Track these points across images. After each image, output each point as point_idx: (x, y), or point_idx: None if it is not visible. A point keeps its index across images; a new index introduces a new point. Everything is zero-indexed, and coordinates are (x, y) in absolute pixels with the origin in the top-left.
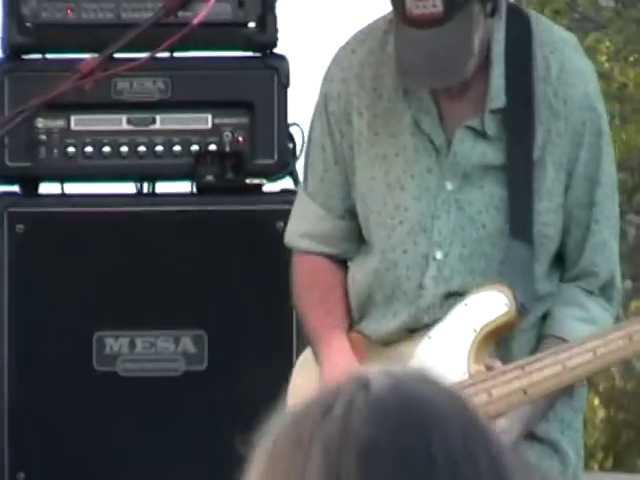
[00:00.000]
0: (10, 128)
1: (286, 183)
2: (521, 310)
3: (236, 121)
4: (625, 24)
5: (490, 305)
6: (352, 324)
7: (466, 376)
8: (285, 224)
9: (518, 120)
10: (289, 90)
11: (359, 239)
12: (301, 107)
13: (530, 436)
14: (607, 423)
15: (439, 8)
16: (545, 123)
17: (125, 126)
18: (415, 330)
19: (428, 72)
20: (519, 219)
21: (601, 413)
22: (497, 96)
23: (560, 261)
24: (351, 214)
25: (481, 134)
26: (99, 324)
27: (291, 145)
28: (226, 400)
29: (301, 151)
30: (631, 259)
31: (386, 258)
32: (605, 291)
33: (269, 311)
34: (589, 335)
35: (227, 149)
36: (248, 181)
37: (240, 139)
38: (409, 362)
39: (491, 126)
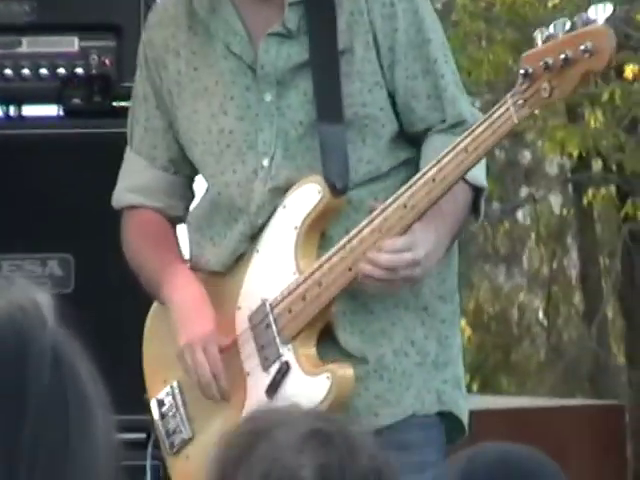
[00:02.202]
0: None
1: None
2: (335, 191)
3: (103, 44)
4: None
5: (305, 198)
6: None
7: (297, 275)
8: None
9: (318, 10)
10: None
11: (183, 197)
12: None
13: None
14: (474, 345)
15: None
16: (346, 7)
17: None
18: (254, 237)
19: None
20: (325, 104)
21: (468, 333)
22: None
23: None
24: (176, 166)
25: (285, 35)
26: None
27: None
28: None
29: None
30: (499, 180)
31: (217, 182)
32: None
33: None
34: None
35: (94, 72)
36: (115, 104)
37: (107, 62)
38: (245, 278)
39: (293, 20)
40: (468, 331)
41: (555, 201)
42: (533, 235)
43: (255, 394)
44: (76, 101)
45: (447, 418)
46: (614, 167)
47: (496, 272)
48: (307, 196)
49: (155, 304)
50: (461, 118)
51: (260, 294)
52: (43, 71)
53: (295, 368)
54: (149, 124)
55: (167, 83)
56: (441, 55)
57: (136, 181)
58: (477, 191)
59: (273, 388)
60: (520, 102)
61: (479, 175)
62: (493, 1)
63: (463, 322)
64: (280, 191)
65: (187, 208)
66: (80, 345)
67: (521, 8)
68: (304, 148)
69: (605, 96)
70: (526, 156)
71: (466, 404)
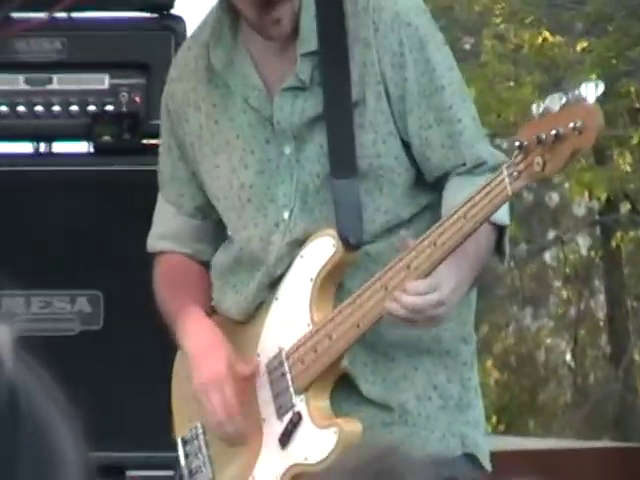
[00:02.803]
0: None
1: None
2: (348, 245)
3: (133, 82)
4: None
5: (320, 250)
6: (213, 308)
7: (311, 327)
8: None
9: (332, 62)
10: None
11: (213, 241)
12: None
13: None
14: (500, 386)
15: None
16: (358, 59)
17: (22, 86)
18: (273, 285)
19: None
20: (339, 159)
21: (495, 375)
22: (307, 40)
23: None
24: (203, 213)
25: (299, 88)
26: None
27: None
28: (120, 359)
29: None
30: (526, 222)
31: (239, 238)
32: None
33: None
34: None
35: (124, 109)
36: (145, 141)
37: (137, 99)
38: (264, 325)
39: (306, 72)
40: (495, 373)
41: (583, 243)
42: (560, 277)
43: (270, 441)
44: (106, 138)
45: (469, 460)
46: None
47: (523, 314)
48: (322, 249)
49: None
50: (480, 160)
51: (277, 342)
52: (73, 108)
53: (306, 419)
54: (174, 173)
55: (189, 136)
56: (457, 100)
57: (166, 228)
58: (500, 230)
59: (286, 437)
60: (515, 174)
61: (502, 214)
62: (521, 43)
63: (490, 363)
64: (298, 243)
65: (216, 249)
66: (46, 383)
67: (549, 50)
68: (321, 200)
69: (635, 139)
70: (553, 198)
71: (485, 444)
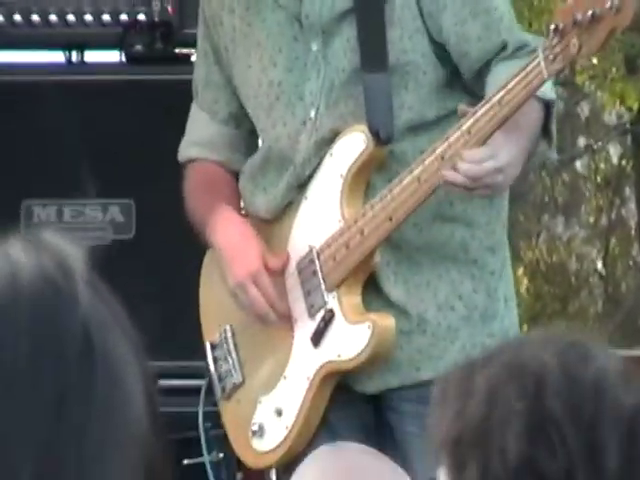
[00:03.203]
0: None
1: None
2: (379, 140)
3: None
4: None
5: (350, 147)
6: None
7: (342, 223)
8: None
9: None
10: None
11: (245, 150)
12: None
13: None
14: (531, 295)
15: None
16: None
17: None
18: (302, 186)
19: None
20: (370, 53)
21: (525, 283)
22: None
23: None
24: (237, 121)
25: None
26: (27, 193)
27: None
28: (152, 268)
29: None
30: (558, 131)
31: (268, 137)
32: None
33: None
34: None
35: (156, 18)
36: (177, 50)
37: (169, 8)
38: (294, 225)
39: None
40: (525, 281)
41: (614, 151)
42: (592, 186)
43: (302, 340)
44: (138, 47)
45: None
46: None
47: (554, 222)
48: (353, 145)
49: (210, 250)
50: (522, 42)
51: (308, 241)
52: (105, 17)
53: (339, 316)
54: (210, 79)
55: (223, 40)
56: None
57: (199, 135)
58: (547, 108)
59: (318, 335)
60: (551, 57)
61: (547, 90)
62: None
63: (520, 271)
64: (325, 141)
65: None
66: (116, 307)
67: None
68: (347, 95)
69: None
70: (584, 107)
71: None
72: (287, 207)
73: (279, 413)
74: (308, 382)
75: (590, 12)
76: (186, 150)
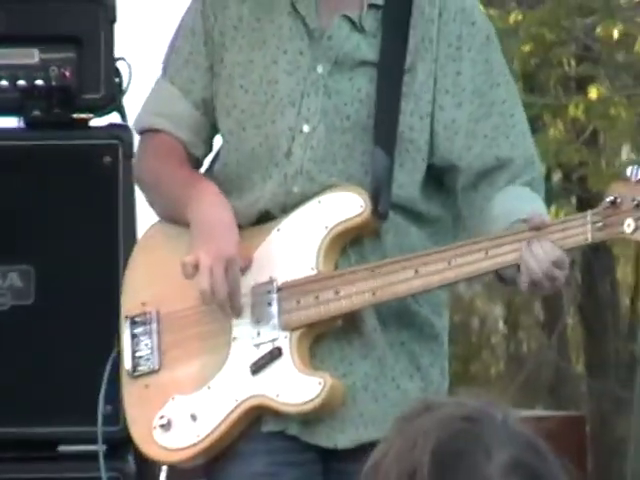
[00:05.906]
0: None
1: (113, 118)
2: (377, 214)
3: (63, 56)
4: None
5: (345, 205)
6: None
7: (314, 272)
8: (112, 159)
9: (395, 20)
10: (116, 25)
11: (206, 140)
12: (127, 42)
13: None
14: None
15: None
16: (419, 28)
17: None
18: (284, 209)
19: None
20: (383, 130)
21: None
22: None
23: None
24: (206, 108)
25: (358, 28)
26: None
27: (118, 80)
28: (52, 333)
29: (127, 86)
30: None
31: (260, 133)
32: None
33: (95, 246)
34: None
35: (54, 84)
36: (75, 116)
37: (67, 74)
38: (257, 249)
39: (368, 22)
40: None
41: None
42: None
43: (239, 361)
44: (36, 113)
45: None
46: (574, 179)
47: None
48: (347, 204)
49: (156, 225)
50: (530, 156)
51: (269, 271)
52: (3, 83)
53: (287, 359)
54: (192, 58)
55: (221, 24)
56: (511, 97)
57: (165, 107)
58: None
59: (259, 366)
60: (599, 225)
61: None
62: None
63: None
64: (316, 183)
65: (205, 155)
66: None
67: None
68: (343, 142)
69: (572, 111)
70: None
71: None
72: (260, 221)
73: (194, 418)
74: (235, 404)
75: None
76: (149, 118)
